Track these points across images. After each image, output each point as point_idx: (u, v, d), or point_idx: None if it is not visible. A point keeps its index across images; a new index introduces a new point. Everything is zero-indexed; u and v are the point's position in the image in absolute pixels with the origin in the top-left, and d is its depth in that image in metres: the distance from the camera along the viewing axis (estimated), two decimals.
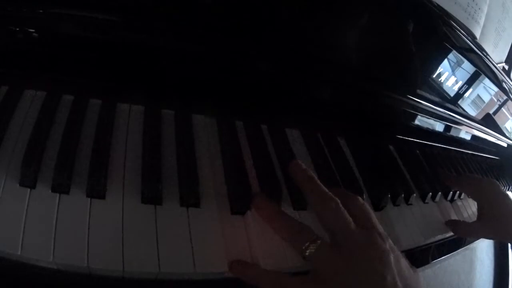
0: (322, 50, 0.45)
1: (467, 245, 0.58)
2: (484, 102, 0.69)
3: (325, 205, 0.33)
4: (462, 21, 0.53)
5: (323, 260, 0.31)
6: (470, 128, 0.69)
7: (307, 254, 0.31)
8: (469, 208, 0.62)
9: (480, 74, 0.61)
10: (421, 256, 0.48)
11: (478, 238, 0.54)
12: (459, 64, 0.56)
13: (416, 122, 0.59)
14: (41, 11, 0.34)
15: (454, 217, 0.55)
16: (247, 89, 0.43)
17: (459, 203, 0.60)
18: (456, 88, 0.59)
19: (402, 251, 0.40)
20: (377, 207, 0.46)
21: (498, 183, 0.54)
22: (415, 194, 0.51)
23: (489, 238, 0.53)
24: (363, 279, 0.30)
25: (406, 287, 0.31)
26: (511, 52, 0.72)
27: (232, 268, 0.31)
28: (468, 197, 0.61)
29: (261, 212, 0.35)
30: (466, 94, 0.61)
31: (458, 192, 0.60)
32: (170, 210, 0.32)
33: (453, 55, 0.54)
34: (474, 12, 0.54)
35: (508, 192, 0.87)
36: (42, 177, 0.30)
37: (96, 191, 0.31)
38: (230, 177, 0.37)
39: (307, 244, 0.31)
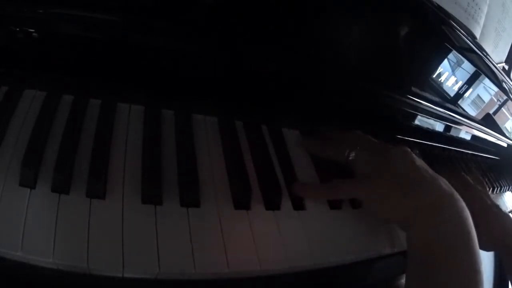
0: (322, 50, 0.45)
1: None
2: (484, 102, 0.69)
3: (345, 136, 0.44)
4: (462, 21, 0.53)
5: (362, 160, 0.39)
6: (470, 128, 0.69)
7: (350, 158, 0.40)
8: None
9: (480, 74, 0.61)
10: None
11: None
12: (459, 64, 0.56)
13: (416, 122, 0.59)
14: (41, 11, 0.34)
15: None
16: (247, 89, 0.43)
17: None
18: (456, 88, 0.59)
19: (402, 252, 0.40)
20: None
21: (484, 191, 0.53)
22: None
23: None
24: (396, 167, 0.38)
25: (433, 173, 0.38)
26: (511, 52, 0.72)
27: (292, 189, 0.39)
28: None
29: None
30: (466, 94, 0.61)
31: None
32: (170, 210, 0.32)
33: (453, 55, 0.54)
34: (474, 12, 0.54)
35: (508, 193, 0.87)
36: (42, 177, 0.30)
37: (96, 191, 0.31)
38: (233, 170, 0.38)
39: (348, 151, 0.40)
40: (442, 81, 0.56)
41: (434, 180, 0.37)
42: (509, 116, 0.82)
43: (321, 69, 0.45)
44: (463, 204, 0.36)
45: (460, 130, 0.70)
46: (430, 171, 0.38)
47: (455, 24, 0.51)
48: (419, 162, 0.39)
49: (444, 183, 0.37)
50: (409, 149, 0.40)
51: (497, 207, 0.51)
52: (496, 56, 0.66)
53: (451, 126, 0.66)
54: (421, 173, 0.37)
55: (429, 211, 0.35)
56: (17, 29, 0.35)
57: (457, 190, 0.51)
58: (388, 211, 0.37)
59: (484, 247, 0.51)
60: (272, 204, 0.37)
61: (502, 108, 0.77)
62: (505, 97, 0.74)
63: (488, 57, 0.60)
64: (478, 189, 0.52)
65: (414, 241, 0.35)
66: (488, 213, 0.49)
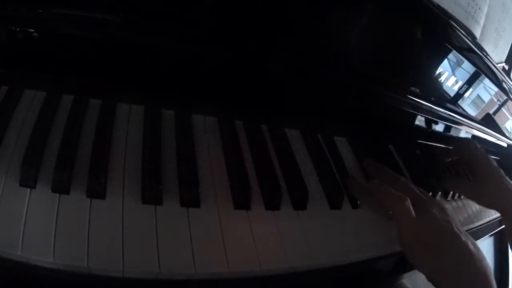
0: (322, 50, 0.45)
1: None
2: (484, 102, 0.69)
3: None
4: (462, 21, 0.53)
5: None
6: (470, 128, 0.69)
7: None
8: (469, 208, 0.61)
9: (480, 74, 0.61)
10: None
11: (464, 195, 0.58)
12: (459, 64, 0.57)
13: (416, 122, 0.59)
14: (41, 11, 0.34)
15: (454, 216, 0.56)
16: (247, 89, 0.43)
17: (459, 203, 0.60)
18: (456, 88, 0.59)
19: (401, 252, 0.40)
20: None
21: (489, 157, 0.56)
22: None
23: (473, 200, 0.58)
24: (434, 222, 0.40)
25: (465, 233, 0.40)
26: (511, 52, 0.72)
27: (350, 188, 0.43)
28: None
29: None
30: (466, 94, 0.61)
31: (457, 193, 0.60)
32: (170, 210, 0.32)
33: (453, 55, 0.54)
34: (474, 12, 0.54)
35: None
36: (42, 177, 0.30)
37: (96, 191, 0.31)
38: (233, 170, 0.38)
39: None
40: (442, 81, 0.56)
41: (466, 241, 0.39)
42: (509, 116, 0.82)
43: (321, 69, 0.45)
44: (486, 263, 0.39)
45: (460, 130, 0.70)
46: (463, 230, 0.41)
47: (455, 24, 0.51)
48: (455, 221, 0.41)
49: (471, 244, 0.39)
50: (445, 206, 0.43)
51: (499, 169, 0.54)
52: (496, 56, 0.66)
53: (451, 126, 0.66)
54: (456, 233, 0.39)
55: (456, 269, 0.37)
56: (17, 29, 0.35)
57: (463, 155, 0.57)
58: (417, 260, 0.39)
59: (488, 206, 0.57)
60: (272, 204, 0.37)
61: (502, 108, 0.77)
62: (505, 97, 0.74)
63: (488, 57, 0.60)
64: (485, 154, 0.55)
65: None
66: (492, 176, 0.54)
